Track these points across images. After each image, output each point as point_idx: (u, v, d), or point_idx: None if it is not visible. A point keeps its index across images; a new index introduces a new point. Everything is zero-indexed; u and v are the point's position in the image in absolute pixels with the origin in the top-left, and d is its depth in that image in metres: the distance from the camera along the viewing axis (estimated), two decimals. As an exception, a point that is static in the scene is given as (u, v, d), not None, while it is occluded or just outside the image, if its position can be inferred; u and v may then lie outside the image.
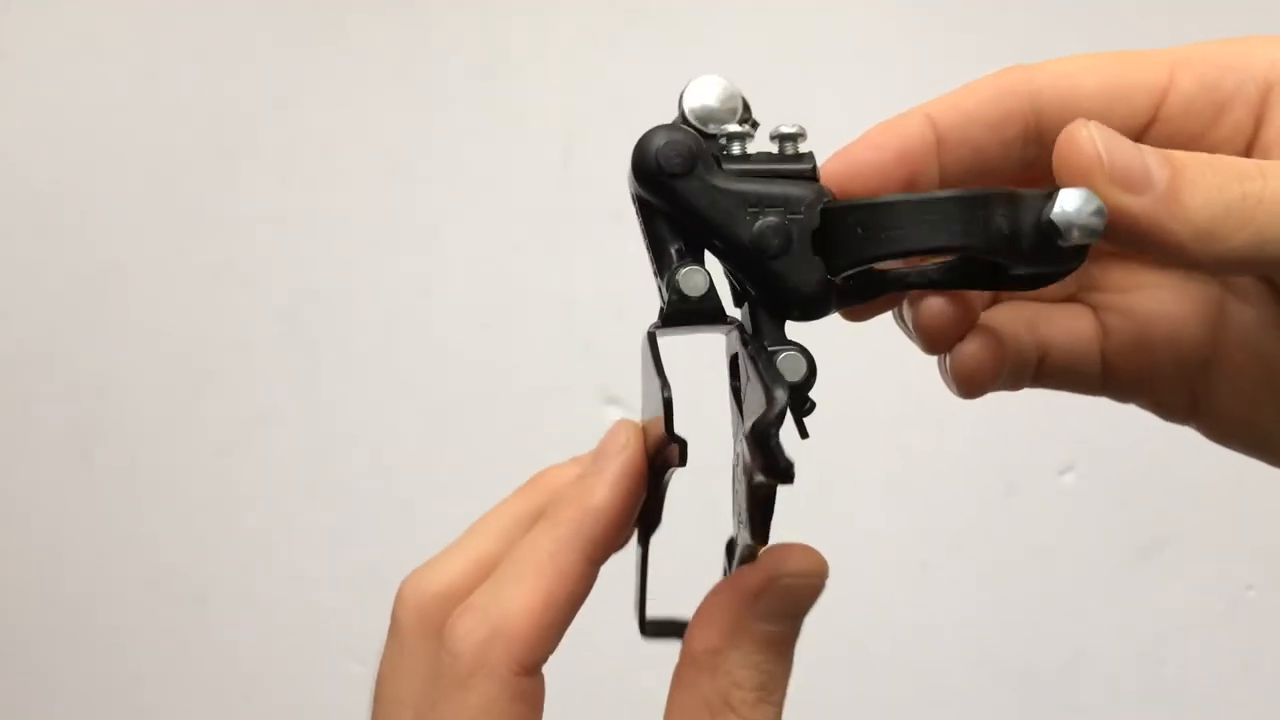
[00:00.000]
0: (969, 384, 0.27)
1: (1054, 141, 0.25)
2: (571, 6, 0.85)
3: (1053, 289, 0.29)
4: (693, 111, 0.27)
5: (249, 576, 0.91)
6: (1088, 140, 0.23)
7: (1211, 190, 0.23)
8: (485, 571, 0.28)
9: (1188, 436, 0.31)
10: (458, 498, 0.92)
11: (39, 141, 0.92)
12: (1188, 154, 0.24)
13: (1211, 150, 0.25)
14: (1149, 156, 0.23)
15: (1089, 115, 0.25)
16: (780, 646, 0.25)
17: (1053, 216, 0.24)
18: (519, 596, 0.26)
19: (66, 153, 0.92)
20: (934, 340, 0.28)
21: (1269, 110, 0.25)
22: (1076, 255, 0.25)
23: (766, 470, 0.23)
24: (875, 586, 0.82)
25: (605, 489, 0.27)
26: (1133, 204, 0.23)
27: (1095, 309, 0.29)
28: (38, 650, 0.95)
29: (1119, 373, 0.28)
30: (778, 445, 0.24)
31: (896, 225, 0.25)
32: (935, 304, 0.27)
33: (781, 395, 0.23)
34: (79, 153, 0.91)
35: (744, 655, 0.25)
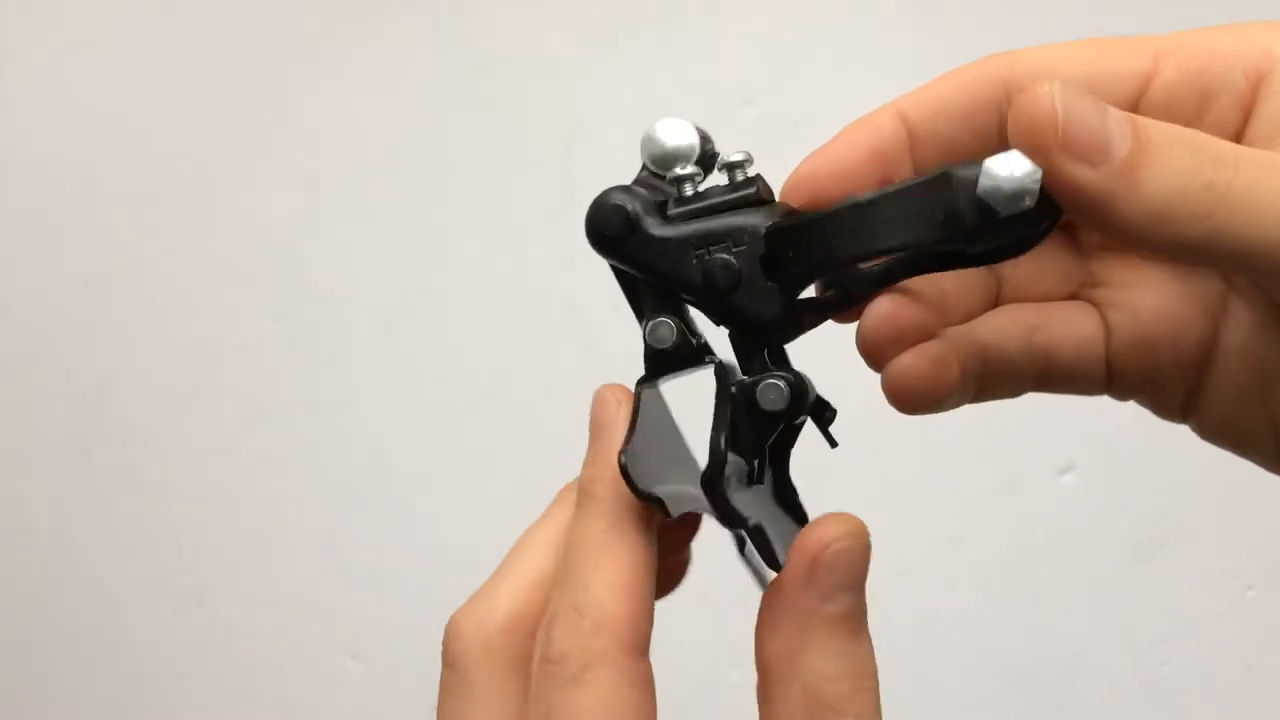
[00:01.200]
0: (900, 399, 0.25)
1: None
2: (571, 6, 0.85)
3: (1054, 287, 0.28)
4: (650, 159, 0.27)
5: (249, 576, 0.91)
6: (1045, 97, 0.21)
7: (1176, 172, 0.21)
8: (548, 591, 0.26)
9: (1187, 436, 0.31)
10: (458, 498, 0.92)
11: (39, 141, 0.92)
12: (1162, 126, 0.22)
13: None
14: (1113, 125, 0.21)
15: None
16: (853, 624, 0.23)
17: (978, 192, 0.22)
18: (602, 581, 0.24)
19: (66, 153, 0.92)
20: (874, 354, 0.26)
21: (1259, 102, 0.24)
22: (1030, 222, 0.23)
23: (720, 520, 0.24)
24: (874, 586, 0.81)
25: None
26: (1081, 175, 0.21)
27: (1099, 306, 0.27)
28: (38, 649, 0.95)
29: (1123, 372, 0.27)
30: (722, 497, 0.24)
31: (840, 235, 0.25)
32: (880, 310, 0.26)
33: (718, 449, 0.24)
34: (79, 153, 0.91)
35: (821, 644, 0.23)
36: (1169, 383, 0.27)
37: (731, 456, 0.26)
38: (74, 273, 0.92)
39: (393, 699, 0.89)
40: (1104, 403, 0.31)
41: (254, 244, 0.89)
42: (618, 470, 0.25)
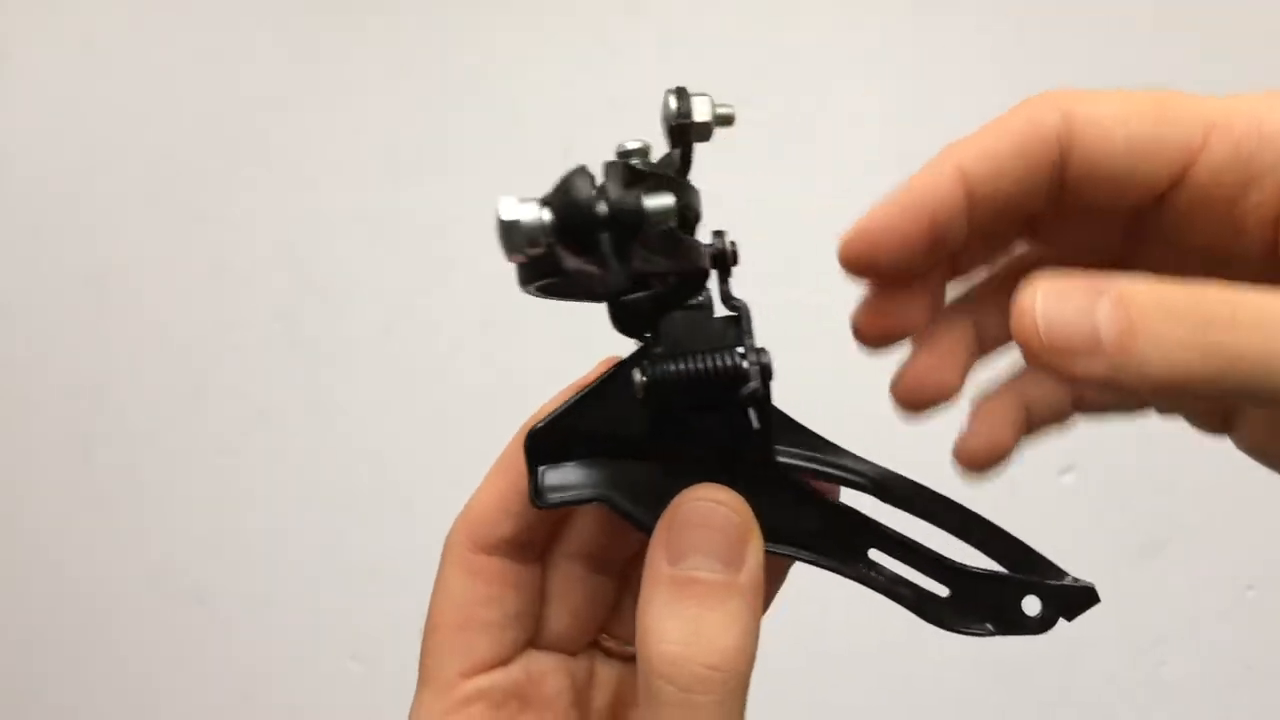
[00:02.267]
0: (969, 466, 0.27)
1: (1077, 185, 0.24)
2: (571, 6, 0.85)
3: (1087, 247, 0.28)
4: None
5: (249, 576, 0.91)
6: (1029, 312, 0.21)
7: (1170, 346, 0.21)
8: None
9: (1188, 437, 0.31)
10: (458, 498, 0.92)
11: (39, 141, 0.92)
12: (1154, 295, 0.21)
13: (1237, 223, 0.24)
14: (1100, 313, 0.21)
15: (1114, 173, 0.24)
16: (700, 590, 0.24)
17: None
18: (479, 492, 0.29)
19: (67, 153, 0.92)
20: (910, 409, 0.27)
21: None
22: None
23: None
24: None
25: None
26: (1081, 368, 0.21)
27: None
28: (38, 649, 0.95)
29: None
30: (531, 471, 0.27)
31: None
32: (914, 371, 0.27)
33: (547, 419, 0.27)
34: (79, 153, 0.91)
35: (662, 604, 0.24)
36: (1208, 410, 0.28)
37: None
38: (74, 273, 0.92)
39: (393, 699, 0.89)
40: (1104, 403, 0.31)
41: (254, 244, 0.89)
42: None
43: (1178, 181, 0.24)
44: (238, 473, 0.91)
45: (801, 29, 0.83)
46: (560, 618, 0.29)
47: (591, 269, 0.22)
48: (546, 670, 0.29)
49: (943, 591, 0.28)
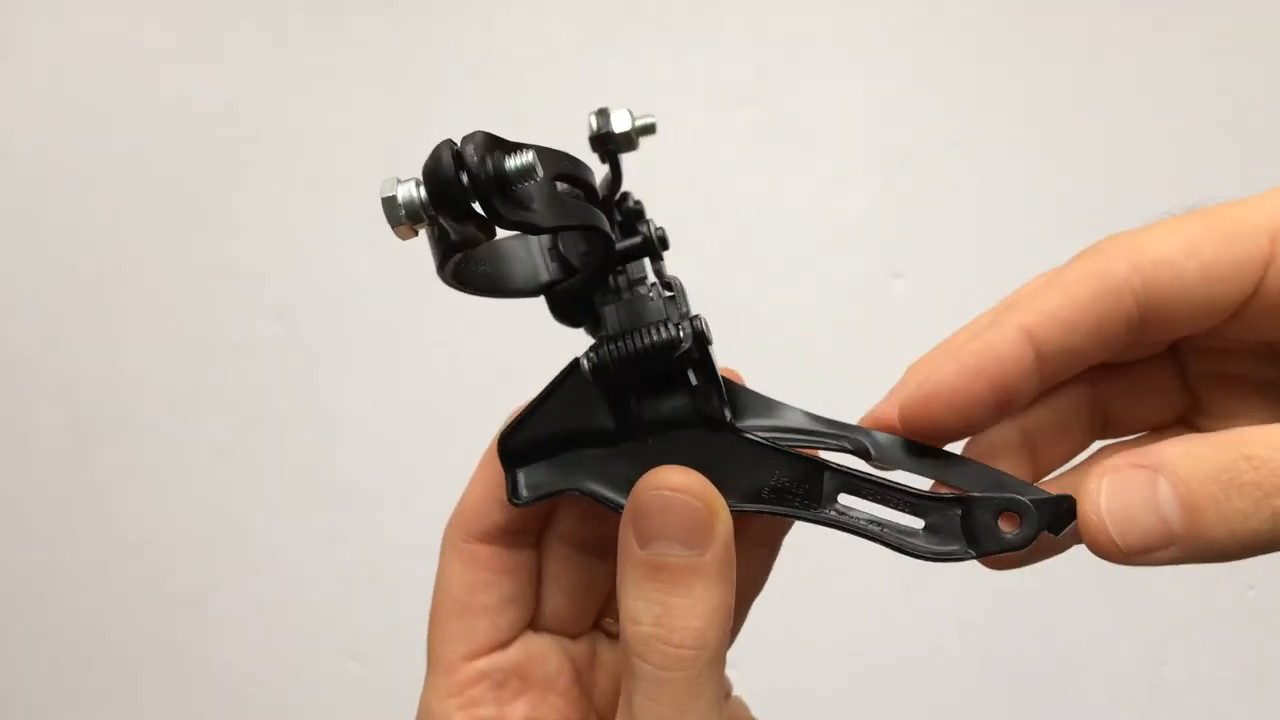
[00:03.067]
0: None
1: (1154, 325, 0.24)
2: (571, 6, 0.85)
3: (1159, 415, 0.28)
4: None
5: (249, 576, 0.91)
6: (1100, 529, 0.23)
7: (1236, 521, 0.22)
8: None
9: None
10: (457, 497, 0.92)
11: (39, 141, 0.92)
12: (1201, 466, 0.22)
13: None
14: (1164, 502, 0.22)
15: (1191, 305, 0.24)
16: (667, 574, 0.24)
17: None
18: (470, 483, 0.30)
19: (66, 153, 0.92)
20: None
21: None
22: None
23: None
24: (874, 587, 0.81)
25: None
26: (1158, 560, 0.23)
27: (1201, 433, 0.28)
28: (38, 649, 0.95)
29: None
30: (506, 466, 0.29)
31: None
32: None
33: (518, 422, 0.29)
34: (79, 152, 0.91)
35: (633, 585, 0.25)
36: None
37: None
38: (74, 273, 0.92)
39: (393, 699, 0.89)
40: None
41: (254, 244, 0.89)
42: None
43: (1253, 295, 0.25)
44: (238, 473, 0.91)
45: (801, 28, 0.83)
46: (556, 600, 0.30)
47: (477, 233, 0.24)
48: (545, 651, 0.30)
49: (917, 524, 0.28)
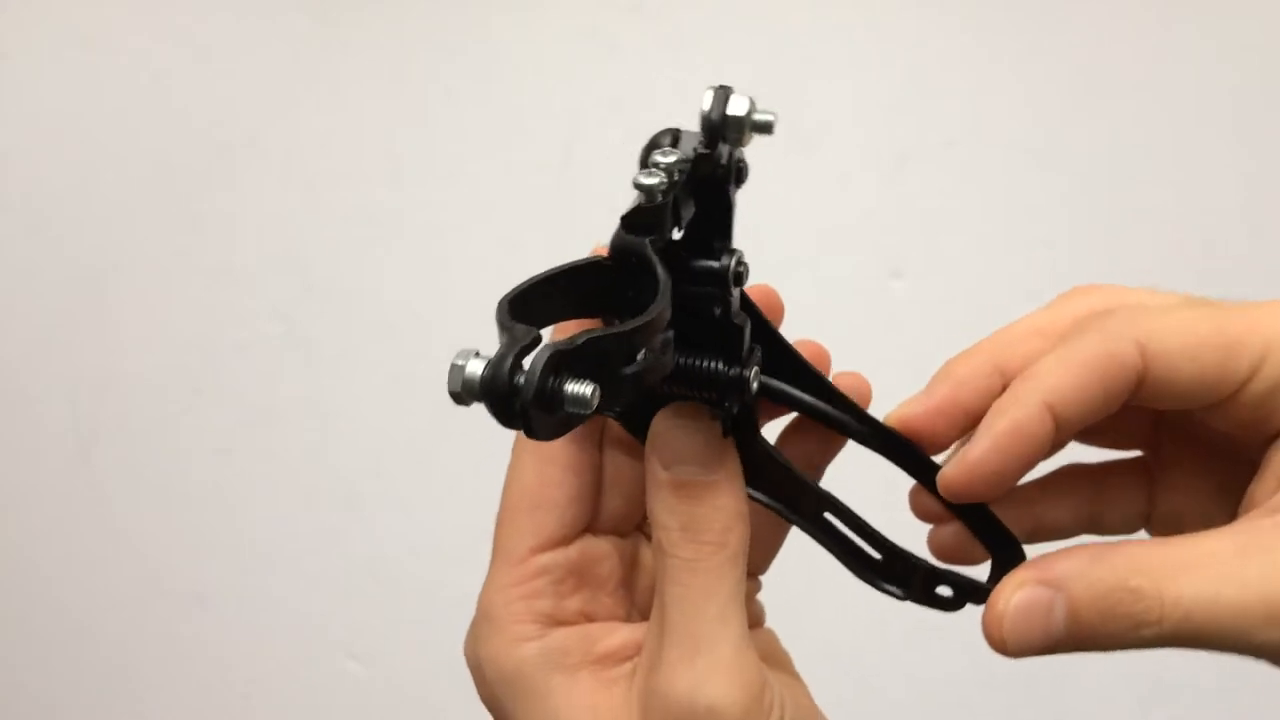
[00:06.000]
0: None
1: (1146, 399, 0.28)
2: (571, 6, 0.85)
3: (1122, 438, 0.33)
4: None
5: (249, 576, 0.91)
6: (996, 632, 0.27)
7: (1108, 641, 0.27)
8: None
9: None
10: (457, 498, 0.92)
11: (39, 141, 0.92)
12: (1093, 605, 0.26)
13: (1263, 427, 0.28)
14: (1055, 624, 0.27)
15: (1181, 395, 0.28)
16: (687, 489, 0.28)
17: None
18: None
19: (66, 153, 0.92)
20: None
21: None
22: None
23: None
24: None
25: None
26: (1045, 651, 0.27)
27: (1151, 484, 0.32)
28: (37, 649, 0.95)
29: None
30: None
31: None
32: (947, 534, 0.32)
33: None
34: (79, 152, 0.91)
35: (660, 500, 0.29)
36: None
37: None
38: (74, 273, 0.92)
39: (393, 699, 0.89)
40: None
41: (254, 244, 0.89)
42: None
43: (1239, 390, 0.28)
44: (237, 473, 0.91)
45: (801, 28, 0.83)
46: (614, 500, 0.32)
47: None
48: (601, 553, 0.32)
49: (876, 555, 0.33)
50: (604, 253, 0.28)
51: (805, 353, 0.32)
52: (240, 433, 0.90)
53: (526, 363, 0.23)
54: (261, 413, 0.90)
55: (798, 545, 0.35)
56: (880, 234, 0.82)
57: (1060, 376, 0.28)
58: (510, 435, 0.32)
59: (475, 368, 0.24)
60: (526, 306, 0.27)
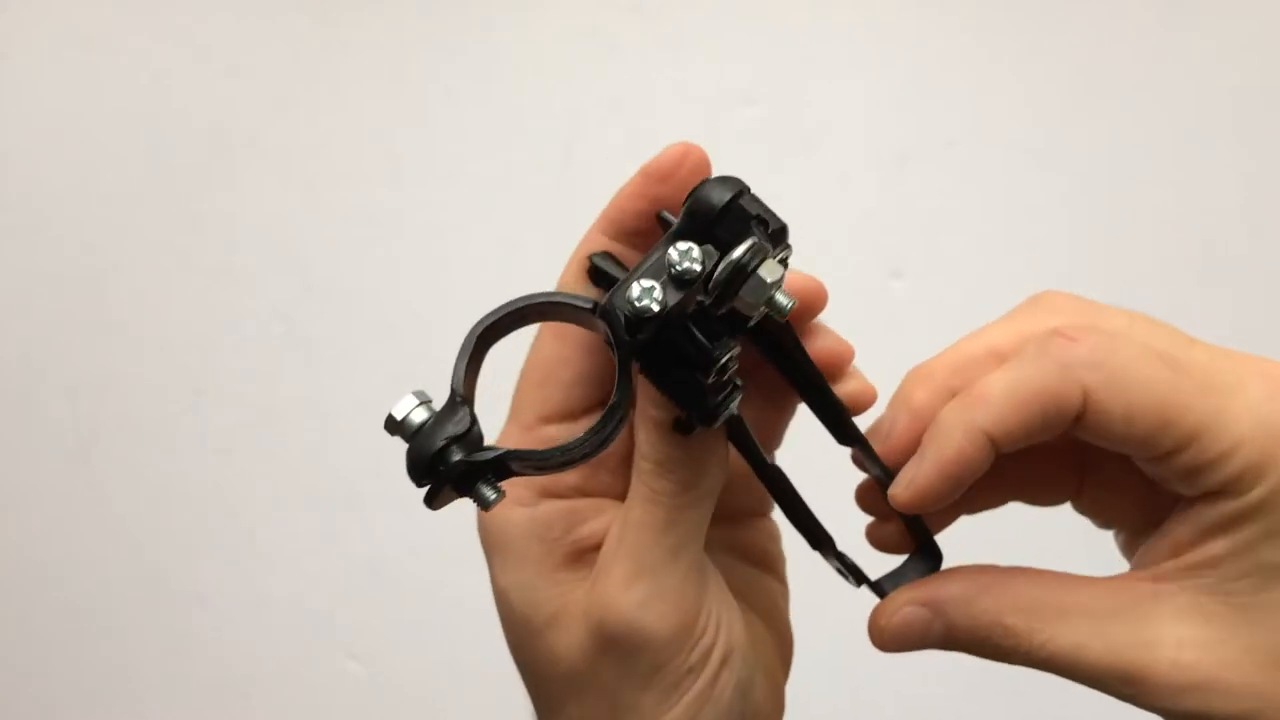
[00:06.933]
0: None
1: (1079, 430, 0.29)
2: (571, 6, 0.85)
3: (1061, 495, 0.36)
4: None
5: (248, 576, 0.91)
6: (879, 637, 0.33)
7: (978, 656, 0.31)
8: None
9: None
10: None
11: (39, 141, 0.92)
12: (969, 633, 0.31)
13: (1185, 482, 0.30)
14: (932, 639, 0.32)
15: (1116, 444, 0.29)
16: (665, 429, 0.30)
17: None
18: (562, 274, 0.35)
19: (66, 152, 0.92)
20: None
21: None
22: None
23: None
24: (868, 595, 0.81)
25: None
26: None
27: (1081, 470, 0.35)
28: (37, 650, 0.95)
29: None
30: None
31: None
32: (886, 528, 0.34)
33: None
34: (78, 152, 0.91)
35: (645, 436, 0.31)
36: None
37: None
38: (73, 273, 0.92)
39: (393, 699, 0.89)
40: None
41: (254, 244, 0.89)
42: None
43: (1177, 450, 0.28)
44: (237, 473, 0.91)
45: (802, 28, 0.83)
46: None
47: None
48: None
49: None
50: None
51: (827, 347, 0.34)
52: (240, 433, 0.90)
53: (455, 452, 0.29)
54: (261, 413, 0.90)
55: (798, 549, 0.35)
56: (880, 234, 0.82)
57: (1004, 409, 0.29)
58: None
59: (417, 418, 0.30)
60: (497, 333, 0.31)
